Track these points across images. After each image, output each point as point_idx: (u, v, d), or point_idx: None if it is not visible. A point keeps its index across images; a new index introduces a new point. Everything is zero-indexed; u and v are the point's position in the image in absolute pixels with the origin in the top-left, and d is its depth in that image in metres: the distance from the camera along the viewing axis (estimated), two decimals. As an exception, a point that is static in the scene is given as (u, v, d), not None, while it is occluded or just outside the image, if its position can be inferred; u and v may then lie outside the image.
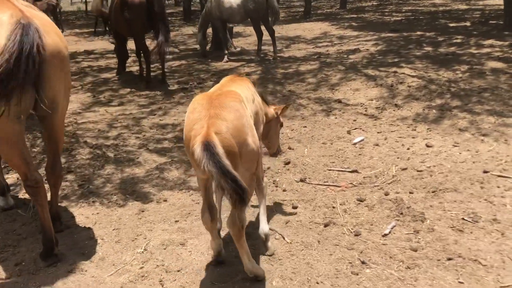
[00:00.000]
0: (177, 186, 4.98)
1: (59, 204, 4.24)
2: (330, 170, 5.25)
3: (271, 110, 4.09)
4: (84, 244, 3.93)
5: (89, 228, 4.18)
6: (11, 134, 3.31)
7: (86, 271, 3.57)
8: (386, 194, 4.61)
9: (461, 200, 4.40)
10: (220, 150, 2.75)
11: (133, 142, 6.33)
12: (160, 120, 7.29)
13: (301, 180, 5.01)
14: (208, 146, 2.71)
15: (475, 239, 3.79)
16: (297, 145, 6.01)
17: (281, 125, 4.28)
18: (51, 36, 3.38)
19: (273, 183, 4.97)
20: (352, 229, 4.03)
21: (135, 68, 10.80)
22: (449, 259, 3.54)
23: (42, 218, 3.55)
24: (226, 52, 11.42)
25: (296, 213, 4.35)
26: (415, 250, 3.68)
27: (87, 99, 8.67)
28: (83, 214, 4.44)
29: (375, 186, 4.80)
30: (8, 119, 3.23)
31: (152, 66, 9.82)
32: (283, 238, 3.94)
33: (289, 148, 5.89)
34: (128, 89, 9.26)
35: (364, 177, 5.01)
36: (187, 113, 3.14)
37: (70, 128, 7.00)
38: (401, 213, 4.22)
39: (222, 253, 3.57)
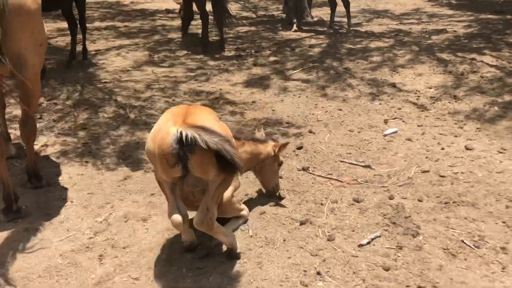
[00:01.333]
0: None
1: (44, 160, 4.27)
2: (342, 161, 4.74)
3: (268, 148, 3.78)
4: (53, 204, 3.92)
5: (66, 188, 4.16)
6: None
7: (39, 232, 3.55)
8: (390, 197, 4.06)
9: (473, 218, 3.73)
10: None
11: (159, 106, 6.24)
12: (198, 86, 7.13)
13: (303, 169, 4.59)
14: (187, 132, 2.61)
15: (465, 268, 3.18)
16: (321, 129, 5.52)
17: (280, 164, 3.94)
18: None
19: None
20: (328, 232, 3.58)
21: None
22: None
23: (1, 175, 3.55)
24: (295, 21, 10.89)
25: (277, 205, 3.96)
26: (386, 270, 3.17)
27: (142, 58, 8.74)
28: (69, 173, 4.44)
29: (382, 186, 4.25)
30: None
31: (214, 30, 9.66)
32: (248, 230, 3.59)
33: (310, 131, 5.43)
34: (185, 51, 9.17)
35: (374, 175, 4.46)
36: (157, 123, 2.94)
37: (110, 85, 7.09)
38: (394, 223, 3.68)
39: (195, 243, 3.33)
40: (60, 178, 4.36)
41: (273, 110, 6.14)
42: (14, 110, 5.83)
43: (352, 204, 3.98)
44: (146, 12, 13.34)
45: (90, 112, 6.02)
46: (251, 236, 3.53)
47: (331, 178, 4.41)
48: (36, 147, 4.86)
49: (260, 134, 4.00)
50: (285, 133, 5.43)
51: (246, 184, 4.30)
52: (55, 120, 5.76)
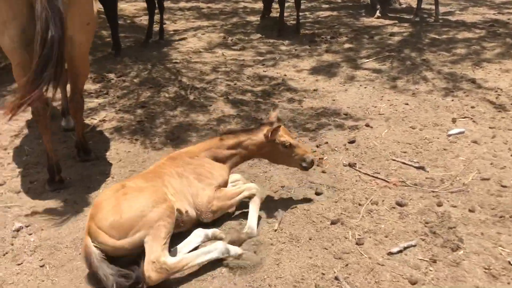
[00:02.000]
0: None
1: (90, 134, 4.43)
2: (393, 160, 4.44)
3: (258, 136, 3.58)
4: (94, 178, 4.07)
5: (111, 164, 4.30)
6: (26, 61, 3.44)
7: (76, 204, 3.69)
8: (438, 204, 3.72)
9: (530, 238, 3.30)
10: None
11: (220, 89, 6.25)
12: (264, 71, 7.04)
13: (349, 165, 4.35)
14: None
15: (504, 293, 2.82)
16: (380, 123, 5.20)
17: (285, 145, 3.55)
18: None
19: (317, 162, 4.40)
20: (359, 235, 3.37)
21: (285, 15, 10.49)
22: (445, 308, 2.71)
23: (45, 145, 3.74)
24: (379, 7, 10.36)
25: (312, 201, 3.79)
26: (413, 283, 2.92)
27: (216, 40, 8.82)
28: (117, 149, 4.59)
29: (432, 191, 3.91)
30: (20, 46, 3.36)
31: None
32: (277, 224, 3.47)
33: (367, 125, 5.14)
34: (259, 35, 9.11)
35: (426, 178, 4.12)
36: None
37: (178, 65, 7.23)
38: (434, 232, 3.37)
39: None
40: (108, 153, 4.52)
41: (334, 100, 5.90)
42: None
43: (393, 208, 3.70)
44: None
45: (154, 91, 6.17)
46: (275, 230, 3.41)
47: (377, 177, 4.14)
48: (94, 121, 5.09)
49: (273, 115, 3.78)
50: (340, 125, 5.20)
51: (284, 176, 4.17)
52: (119, 96, 5.99)
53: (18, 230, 3.40)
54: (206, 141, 3.64)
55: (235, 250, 3.07)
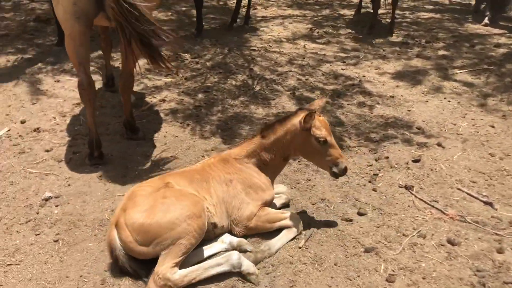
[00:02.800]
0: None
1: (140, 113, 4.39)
2: (459, 189, 3.90)
3: (294, 121, 3.18)
4: (134, 159, 4.02)
5: (155, 146, 4.22)
6: (76, 35, 3.43)
7: (109, 182, 3.64)
8: (499, 251, 3.20)
9: None
10: None
11: (289, 83, 5.97)
12: (342, 69, 6.63)
13: (405, 187, 3.90)
14: None
15: None
16: (454, 144, 4.63)
17: (319, 140, 3.12)
18: None
19: (370, 178, 4.00)
20: (392, 270, 2.96)
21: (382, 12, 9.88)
22: None
23: (88, 120, 3.73)
24: (488, 13, 9.36)
25: (351, 221, 3.42)
26: None
27: (302, 30, 8.50)
28: (166, 132, 4.51)
29: (495, 234, 3.37)
30: (71, 17, 3.34)
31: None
32: (304, 241, 3.16)
33: (438, 144, 4.59)
34: (349, 30, 8.64)
35: (492, 217, 3.56)
36: None
37: (255, 53, 7.04)
38: (484, 285, 2.87)
39: None
40: (156, 134, 4.45)
41: (409, 111, 5.37)
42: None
43: (442, 245, 3.22)
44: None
45: (222, 77, 6.04)
46: (300, 248, 3.10)
47: (434, 206, 3.65)
48: (153, 100, 5.05)
49: (317, 102, 3.32)
50: (408, 139, 4.70)
51: (329, 187, 3.82)
52: (186, 78, 5.93)
53: (46, 199, 3.42)
54: (249, 141, 3.34)
55: (247, 266, 2.82)
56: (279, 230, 3.18)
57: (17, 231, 3.13)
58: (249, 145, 3.26)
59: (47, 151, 4.08)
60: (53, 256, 2.94)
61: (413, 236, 3.30)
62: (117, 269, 2.78)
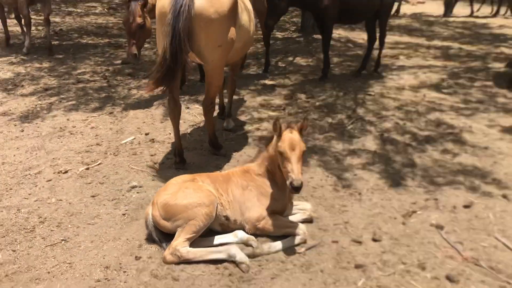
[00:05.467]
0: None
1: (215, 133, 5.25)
2: (495, 237, 3.86)
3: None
4: (208, 169, 4.90)
5: (229, 162, 5.08)
6: None
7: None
8: (497, 296, 3.20)
9: None
10: None
11: (383, 126, 6.24)
12: (450, 118, 6.62)
13: (436, 226, 4.01)
14: None
15: None
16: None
17: (279, 150, 3.52)
18: (200, 1, 4.24)
19: (406, 213, 4.20)
20: (370, 287, 3.26)
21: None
22: None
23: (174, 133, 4.81)
24: None
25: (360, 243, 3.75)
26: None
27: (433, 80, 8.57)
28: (246, 152, 5.31)
29: (506, 282, 3.34)
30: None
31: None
32: (304, 249, 3.64)
33: (503, 196, 4.48)
34: (487, 83, 8.42)
35: (513, 269, 3.49)
36: None
37: (369, 97, 7.48)
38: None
39: None
40: (235, 153, 5.27)
41: (495, 162, 5.21)
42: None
43: (437, 279, 3.32)
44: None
45: (322, 114, 6.63)
46: (298, 253, 3.57)
47: (453, 247, 3.71)
48: (251, 128, 5.96)
49: (299, 124, 3.65)
50: (474, 187, 4.67)
51: (355, 215, 4.16)
52: (290, 113, 6.70)
53: (133, 187, 4.53)
54: (261, 156, 3.97)
55: (240, 257, 3.42)
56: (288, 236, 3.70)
57: (104, 204, 4.26)
58: (261, 160, 3.90)
59: (152, 155, 5.27)
60: (117, 224, 3.96)
61: (412, 265, 3.47)
62: (150, 238, 3.66)
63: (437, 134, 6.02)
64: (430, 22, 16.88)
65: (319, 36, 12.77)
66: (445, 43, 12.46)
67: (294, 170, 3.38)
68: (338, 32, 13.74)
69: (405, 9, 21.40)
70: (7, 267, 3.39)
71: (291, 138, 3.52)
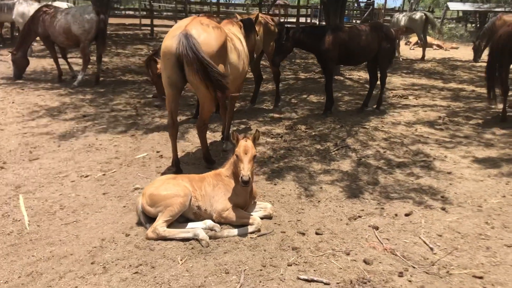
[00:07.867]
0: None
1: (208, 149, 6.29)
2: (421, 239, 4.64)
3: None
4: (200, 178, 5.97)
5: (218, 174, 6.13)
6: (169, 95, 5.73)
7: (174, 187, 5.73)
8: (400, 274, 4.01)
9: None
10: None
11: (364, 153, 7.11)
12: (430, 149, 7.42)
13: (373, 227, 4.84)
14: None
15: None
16: (460, 212, 5.17)
17: (236, 154, 4.58)
18: (202, 37, 5.43)
19: (351, 216, 5.04)
20: (294, 262, 4.16)
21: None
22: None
23: (172, 148, 5.94)
24: None
25: (304, 234, 4.65)
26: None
27: (430, 118, 9.33)
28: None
29: (411, 266, 4.13)
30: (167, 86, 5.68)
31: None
32: (256, 235, 4.59)
33: (442, 208, 5.24)
34: (481, 121, 9.10)
35: (423, 257, 4.24)
36: None
37: (361, 130, 8.38)
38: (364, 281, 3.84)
39: None
40: (225, 168, 6.33)
41: (451, 184, 5.93)
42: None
43: (354, 261, 4.16)
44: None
45: (313, 142, 7.57)
46: (251, 238, 4.52)
47: (379, 241, 4.52)
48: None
49: (252, 137, 4.65)
50: (421, 202, 5.42)
51: (310, 216, 5.06)
52: (286, 140, 7.70)
53: (136, 188, 5.66)
54: (229, 161, 5.00)
55: (202, 236, 4.43)
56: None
57: (111, 200, 5.39)
58: (228, 165, 4.93)
59: (158, 167, 6.42)
60: (118, 213, 5.07)
61: (339, 251, 4.34)
62: (139, 223, 4.74)
63: (410, 161, 6.80)
64: (455, 67, 17.52)
65: (339, 77, 13.85)
66: (460, 86, 13.13)
67: (245, 168, 4.40)
68: (359, 74, 14.71)
69: (437, 54, 22.11)
70: (32, 235, 4.54)
71: (245, 144, 4.55)
